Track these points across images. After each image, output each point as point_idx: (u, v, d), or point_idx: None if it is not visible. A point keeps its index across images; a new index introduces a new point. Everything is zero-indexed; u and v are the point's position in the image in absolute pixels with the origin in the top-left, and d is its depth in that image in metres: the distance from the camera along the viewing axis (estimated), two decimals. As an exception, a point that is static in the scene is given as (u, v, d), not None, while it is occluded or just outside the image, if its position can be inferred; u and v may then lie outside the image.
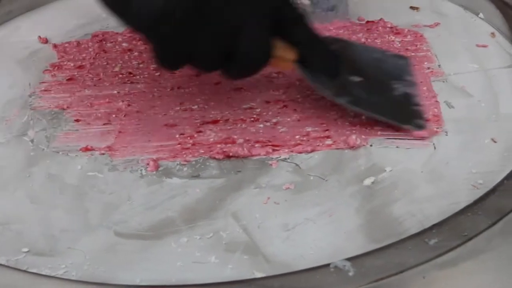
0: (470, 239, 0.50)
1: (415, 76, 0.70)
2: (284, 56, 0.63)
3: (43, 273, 0.52)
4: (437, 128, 0.64)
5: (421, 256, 0.49)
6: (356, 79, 0.66)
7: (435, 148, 0.62)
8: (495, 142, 0.63)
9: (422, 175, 0.59)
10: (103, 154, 0.64)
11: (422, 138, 0.63)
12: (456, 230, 0.51)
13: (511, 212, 0.52)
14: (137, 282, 0.51)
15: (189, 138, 0.65)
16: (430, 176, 0.59)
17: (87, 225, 0.57)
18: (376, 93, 0.66)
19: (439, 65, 0.73)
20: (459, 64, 0.73)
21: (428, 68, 0.73)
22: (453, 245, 0.49)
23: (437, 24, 0.80)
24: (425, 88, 0.70)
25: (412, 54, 0.75)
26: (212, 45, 0.58)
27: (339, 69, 0.66)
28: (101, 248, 0.55)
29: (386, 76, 0.68)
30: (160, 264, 0.53)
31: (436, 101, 0.68)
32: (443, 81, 0.71)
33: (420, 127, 0.63)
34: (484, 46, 0.76)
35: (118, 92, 0.72)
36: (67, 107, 0.71)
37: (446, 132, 0.64)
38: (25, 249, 0.55)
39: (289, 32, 0.62)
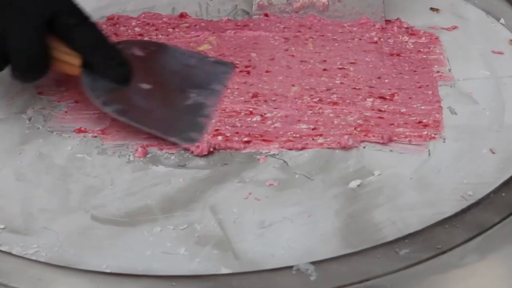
0: (443, 252, 0.48)
1: (225, 85, 0.68)
2: (68, 61, 0.63)
3: (14, 251, 0.52)
4: (435, 134, 0.62)
5: (389, 266, 0.47)
6: (145, 86, 0.65)
7: (429, 154, 0.60)
8: (493, 153, 0.60)
9: (410, 181, 0.58)
10: (95, 137, 0.64)
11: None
12: (430, 242, 0.49)
13: (492, 228, 0.50)
14: (104, 267, 0.51)
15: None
16: (418, 183, 0.57)
17: (66, 207, 0.57)
18: (162, 101, 0.65)
19: (449, 70, 0.71)
20: (470, 70, 0.71)
21: (438, 71, 0.71)
22: (424, 257, 0.48)
23: (454, 28, 0.78)
24: (430, 92, 0.68)
25: (424, 56, 0.73)
26: None
27: (127, 76, 0.65)
28: (75, 230, 0.55)
29: (185, 85, 0.67)
30: (129, 251, 0.52)
31: (440, 106, 0.66)
32: (451, 86, 0.69)
33: (190, 140, 0.61)
34: (500, 53, 0.73)
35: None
36: (68, 89, 0.70)
37: (444, 139, 0.62)
38: (1, 226, 0.55)
39: (71, 37, 0.63)
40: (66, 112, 0.67)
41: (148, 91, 0.65)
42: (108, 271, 0.50)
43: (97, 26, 0.65)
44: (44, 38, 0.62)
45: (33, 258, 0.52)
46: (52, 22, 0.62)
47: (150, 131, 0.62)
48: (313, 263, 0.48)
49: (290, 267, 0.48)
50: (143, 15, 0.82)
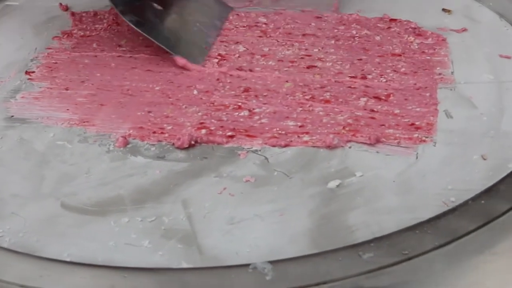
0: (409, 258, 0.45)
1: (223, 21, 0.75)
2: None
3: (-23, 234, 0.52)
4: (426, 137, 0.60)
5: (349, 269, 0.45)
6: (158, 7, 0.72)
7: (417, 158, 0.58)
8: (484, 159, 0.57)
9: (392, 184, 0.55)
10: (79, 124, 0.63)
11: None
12: (396, 247, 0.47)
13: (465, 236, 0.47)
14: (64, 256, 0.50)
15: (167, 119, 0.63)
16: (400, 187, 0.55)
17: (38, 193, 0.56)
18: (172, 23, 0.72)
19: (452, 72, 0.68)
20: (473, 73, 0.68)
21: (440, 74, 0.68)
22: (388, 262, 0.45)
23: (464, 30, 0.75)
24: (428, 94, 0.65)
25: (427, 57, 0.70)
26: None
27: None
28: (43, 217, 0.54)
29: (192, 14, 0.74)
30: (92, 241, 0.51)
31: (435, 109, 0.63)
32: (451, 89, 0.66)
33: (194, 61, 0.68)
34: (508, 57, 0.70)
35: (116, 66, 0.71)
36: (59, 76, 0.70)
37: (435, 142, 0.59)
38: (-30, 209, 0.54)
39: None
40: (57, 99, 0.66)
41: (160, 12, 0.72)
42: (68, 259, 0.49)
43: None
44: None
45: (-6, 243, 0.51)
46: None
47: (160, 44, 0.69)
48: (271, 262, 0.46)
49: (247, 265, 0.46)
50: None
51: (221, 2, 0.78)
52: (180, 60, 0.68)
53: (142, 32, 0.69)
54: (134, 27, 0.69)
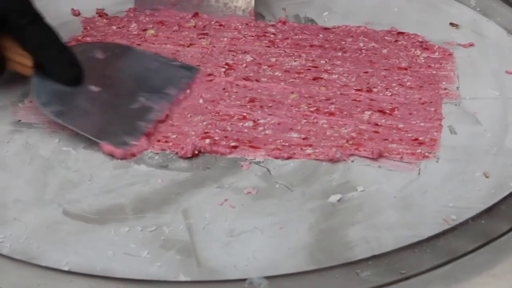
0: (407, 278, 0.46)
1: (181, 89, 0.67)
2: (21, 62, 0.63)
3: (-21, 240, 0.52)
4: (429, 153, 0.60)
5: (346, 287, 0.45)
6: (94, 89, 0.65)
7: (419, 173, 0.58)
8: (487, 177, 0.57)
9: (393, 200, 0.55)
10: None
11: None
12: (394, 266, 0.47)
13: (464, 257, 0.47)
14: (63, 264, 0.50)
15: (172, 127, 0.63)
16: (401, 203, 0.55)
17: (40, 199, 0.56)
18: (106, 105, 0.64)
19: (457, 87, 0.68)
20: (479, 89, 0.68)
21: (445, 89, 0.68)
22: (385, 281, 0.46)
23: (471, 45, 0.75)
24: (432, 109, 0.65)
25: (433, 72, 0.70)
26: None
27: (77, 77, 0.65)
28: (44, 224, 0.54)
29: (137, 88, 0.66)
30: (91, 250, 0.52)
31: (440, 125, 0.63)
32: (456, 104, 0.66)
33: (121, 144, 0.60)
34: (514, 74, 0.70)
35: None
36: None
37: (438, 158, 0.59)
38: (-27, 214, 0.55)
39: (22, 37, 0.63)
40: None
41: (95, 94, 0.65)
42: (66, 268, 0.50)
43: (49, 26, 0.64)
44: None
45: (-6, 249, 0.51)
46: (4, 22, 0.62)
47: (82, 133, 0.61)
48: (268, 277, 0.46)
49: (244, 280, 0.46)
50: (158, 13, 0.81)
51: (186, 66, 0.70)
52: (106, 147, 0.61)
53: (61, 122, 0.62)
54: (52, 118, 0.62)
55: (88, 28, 0.80)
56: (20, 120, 0.65)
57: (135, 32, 0.77)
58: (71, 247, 0.52)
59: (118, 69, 0.68)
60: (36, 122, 0.65)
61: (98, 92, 0.65)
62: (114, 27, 0.79)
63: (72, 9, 0.84)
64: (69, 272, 0.48)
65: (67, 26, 0.81)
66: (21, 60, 0.64)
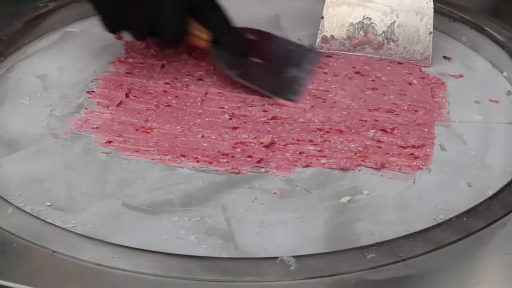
0: (404, 260, 0.58)
1: (314, 65, 0.88)
2: (200, 36, 0.84)
3: (56, 224, 0.64)
4: (423, 165, 0.72)
5: (355, 265, 0.57)
6: (257, 60, 0.86)
7: (414, 182, 0.70)
8: (469, 186, 0.70)
9: (393, 202, 0.67)
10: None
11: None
12: (394, 250, 0.59)
13: (448, 246, 0.59)
14: (126, 244, 0.62)
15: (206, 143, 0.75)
16: (399, 204, 0.67)
17: (103, 193, 0.68)
18: (269, 72, 0.85)
19: (448, 112, 0.81)
20: (466, 114, 0.80)
21: (437, 112, 0.80)
22: (387, 261, 0.58)
23: (460, 76, 0.87)
24: (426, 129, 0.77)
25: (428, 98, 0.83)
26: (138, 19, 0.81)
27: (245, 52, 0.86)
28: (108, 213, 0.66)
29: (285, 62, 0.87)
30: (149, 234, 0.63)
31: (432, 143, 0.75)
32: (446, 126, 0.78)
33: (292, 100, 0.81)
34: (496, 102, 0.83)
35: (165, 91, 0.83)
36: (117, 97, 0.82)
37: (430, 170, 0.72)
38: (48, 203, 0.67)
39: (206, 18, 0.84)
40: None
41: (259, 64, 0.86)
42: (129, 245, 0.61)
43: (226, 12, 0.84)
44: (186, 18, 0.82)
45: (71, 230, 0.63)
46: (196, 9, 0.82)
47: (260, 90, 0.81)
48: (294, 256, 0.58)
49: (276, 258, 0.58)
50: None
51: (311, 49, 0.91)
52: (281, 101, 0.81)
53: (245, 82, 0.82)
54: (238, 79, 0.82)
55: (129, 50, 0.92)
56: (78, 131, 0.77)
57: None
58: (132, 232, 0.64)
59: (267, 48, 0.88)
60: (93, 130, 0.77)
61: (260, 63, 0.86)
62: (152, 51, 0.92)
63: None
64: (136, 249, 0.60)
65: (110, 48, 0.93)
66: (201, 35, 0.84)
